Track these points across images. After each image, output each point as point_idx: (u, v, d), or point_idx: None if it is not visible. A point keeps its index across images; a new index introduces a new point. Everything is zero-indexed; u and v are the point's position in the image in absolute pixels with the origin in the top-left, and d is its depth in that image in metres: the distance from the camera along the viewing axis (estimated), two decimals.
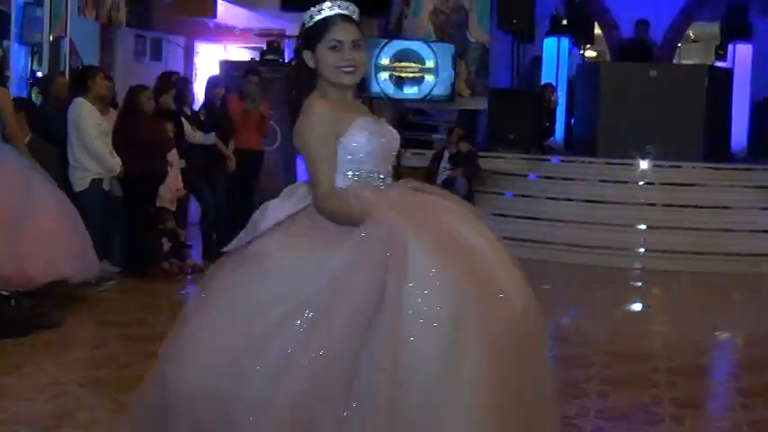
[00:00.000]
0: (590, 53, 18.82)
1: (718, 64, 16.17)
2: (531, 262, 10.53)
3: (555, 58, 15.87)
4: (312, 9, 3.41)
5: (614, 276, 10.21)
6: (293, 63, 3.61)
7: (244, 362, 3.06)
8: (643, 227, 11.20)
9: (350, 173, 3.34)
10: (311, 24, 3.40)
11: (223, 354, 3.11)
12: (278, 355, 3.02)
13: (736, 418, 5.48)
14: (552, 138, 15.11)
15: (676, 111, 12.88)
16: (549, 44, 16.04)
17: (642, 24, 15.32)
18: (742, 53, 15.46)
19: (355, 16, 3.44)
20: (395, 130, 3.56)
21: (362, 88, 3.60)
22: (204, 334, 3.21)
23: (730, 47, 15.97)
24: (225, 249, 3.46)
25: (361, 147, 3.34)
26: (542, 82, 15.63)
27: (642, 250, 10.94)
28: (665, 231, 11.10)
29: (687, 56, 19.84)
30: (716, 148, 13.32)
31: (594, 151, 12.99)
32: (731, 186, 11.84)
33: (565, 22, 16.18)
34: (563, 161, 13.03)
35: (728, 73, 14.52)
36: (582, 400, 5.52)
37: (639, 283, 10.40)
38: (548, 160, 13.12)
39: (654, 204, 11.54)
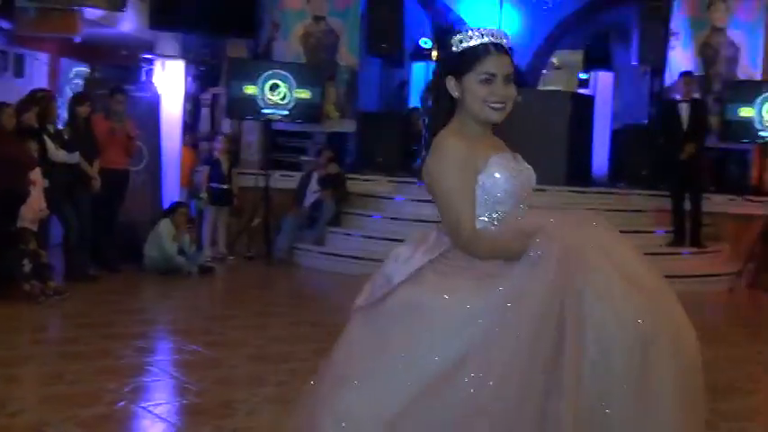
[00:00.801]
0: None
1: (581, 91, 16.62)
2: None
3: (423, 82, 16.09)
4: (461, 33, 3.11)
5: None
6: (429, 88, 3.26)
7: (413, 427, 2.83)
8: None
9: (486, 216, 3.08)
10: (460, 50, 3.09)
11: (392, 420, 2.85)
12: (451, 418, 2.78)
13: None
14: (419, 161, 15.26)
15: (541, 135, 13.14)
16: (418, 69, 16.27)
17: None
18: (603, 81, 15.93)
19: (508, 47, 3.15)
20: (530, 167, 3.31)
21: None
22: (365, 400, 2.91)
23: (592, 74, 16.44)
24: (357, 304, 3.15)
25: (499, 186, 3.08)
26: (410, 106, 15.83)
27: None
28: None
29: (551, 82, 20.31)
30: (578, 172, 13.64)
31: None
32: (592, 210, 12.11)
33: (433, 48, 16.46)
34: None
35: (590, 100, 14.91)
36: None
37: None
38: (415, 183, 13.19)
39: None
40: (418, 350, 2.89)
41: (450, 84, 3.11)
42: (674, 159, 11.84)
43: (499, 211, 3.10)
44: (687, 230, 11.85)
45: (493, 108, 3.13)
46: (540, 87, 18.30)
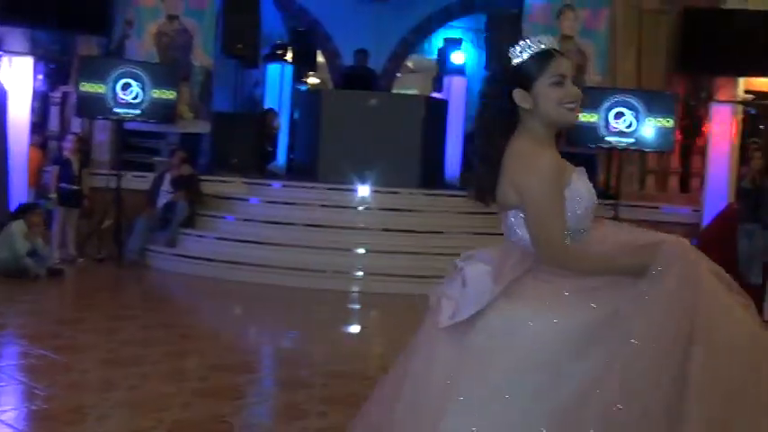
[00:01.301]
0: (313, 80, 19.15)
1: (435, 95, 16.83)
2: (252, 285, 10.63)
3: (278, 83, 16.07)
4: (519, 45, 3.09)
5: (333, 299, 10.38)
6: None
7: None
8: (362, 251, 11.48)
9: (571, 231, 3.04)
10: (526, 59, 3.07)
11: None
12: None
13: None
14: (274, 163, 15.25)
15: (395, 139, 13.29)
16: (273, 70, 16.22)
17: (362, 53, 15.70)
18: (456, 85, 16.17)
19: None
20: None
21: None
22: (485, 421, 2.87)
23: (446, 79, 16.67)
24: (442, 325, 3.06)
25: (583, 201, 3.06)
26: (265, 107, 15.78)
27: (360, 273, 11.18)
28: (383, 255, 11.43)
29: (407, 85, 20.53)
30: (432, 175, 13.82)
31: (315, 177, 13.19)
32: (445, 212, 12.34)
33: (288, 49, 16.44)
34: (284, 186, 13.15)
35: (444, 104, 15.12)
36: (302, 420, 5.58)
37: (358, 306, 10.62)
38: (269, 185, 13.21)
39: (372, 229, 11.87)
40: (534, 369, 2.88)
41: (520, 96, 3.09)
42: None
43: (582, 227, 3.08)
44: None
45: (570, 108, 3.10)
46: (396, 90, 18.53)
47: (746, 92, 13.48)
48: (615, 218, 12.16)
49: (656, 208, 13.36)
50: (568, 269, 2.99)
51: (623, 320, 2.85)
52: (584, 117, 12.64)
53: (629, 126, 12.72)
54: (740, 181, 11.87)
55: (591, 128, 12.78)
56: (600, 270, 2.99)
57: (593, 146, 13.06)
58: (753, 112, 14.56)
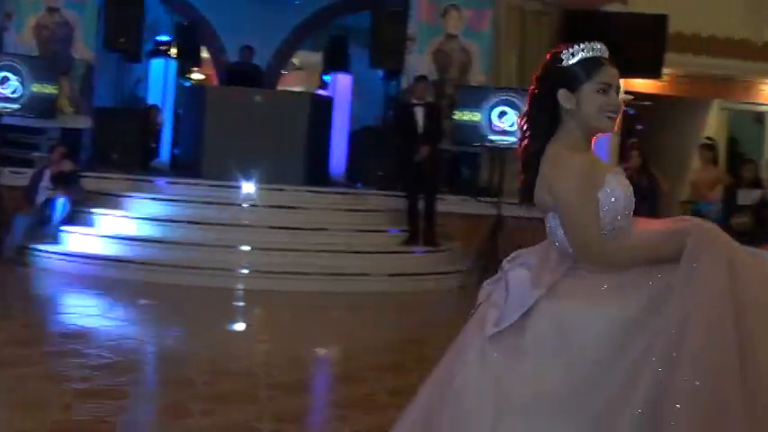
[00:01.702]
0: (197, 76, 18.99)
1: (320, 92, 16.85)
2: (135, 282, 10.49)
3: (162, 79, 15.89)
4: (572, 48, 3.19)
5: (218, 297, 10.30)
6: (531, 103, 3.30)
7: None
8: (247, 248, 11.42)
9: (606, 232, 3.13)
10: (575, 62, 3.18)
11: None
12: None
13: (334, 428, 5.77)
14: (158, 159, 15.08)
15: (280, 136, 13.26)
16: (156, 65, 16.03)
17: (247, 50, 15.61)
18: (342, 83, 16.22)
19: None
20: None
21: None
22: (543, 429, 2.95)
23: (332, 76, 16.71)
24: (489, 334, 3.10)
25: (619, 201, 3.14)
26: (148, 103, 15.59)
27: (246, 271, 11.13)
28: (268, 252, 11.39)
29: (292, 82, 20.50)
30: (317, 172, 13.83)
31: (200, 173, 13.09)
32: (329, 209, 12.37)
33: (172, 44, 16.27)
34: (168, 182, 13.02)
35: (329, 101, 15.14)
36: (187, 419, 5.54)
37: (242, 303, 10.57)
38: (152, 181, 13.06)
39: (257, 226, 11.82)
40: (584, 370, 2.95)
41: (564, 96, 3.19)
42: (409, 161, 12.21)
43: (619, 226, 3.15)
44: (421, 230, 12.24)
45: (610, 116, 3.20)
46: (282, 87, 18.50)
47: (626, 92, 13.81)
48: (499, 216, 12.38)
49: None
50: (608, 266, 3.10)
51: (663, 308, 2.96)
52: (468, 116, 12.83)
53: (513, 125, 12.93)
54: None
55: (474, 126, 12.97)
56: (638, 262, 3.08)
57: (477, 144, 13.24)
58: (631, 112, 14.95)
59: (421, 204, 12.31)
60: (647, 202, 11.18)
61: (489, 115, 12.93)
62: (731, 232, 3.19)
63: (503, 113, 12.93)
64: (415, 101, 12.76)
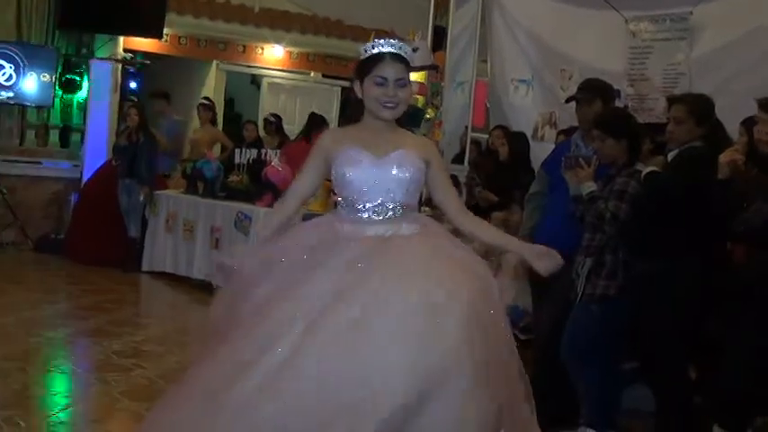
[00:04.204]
0: None
1: None
2: None
3: None
4: (368, 44, 3.66)
5: None
6: (347, 91, 3.86)
7: None
8: None
9: (340, 198, 3.69)
10: (363, 58, 3.64)
11: None
12: None
13: None
14: None
15: None
16: None
17: None
18: None
19: (406, 55, 3.66)
20: (408, 167, 3.65)
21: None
22: None
23: None
24: None
25: (353, 176, 3.62)
26: None
27: None
28: None
29: None
30: None
31: None
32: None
33: None
34: None
35: None
36: None
37: None
38: None
39: None
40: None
41: (356, 87, 3.70)
42: None
43: (349, 198, 3.73)
44: None
45: (386, 107, 3.64)
46: None
47: (125, 50, 13.86)
48: None
49: (38, 163, 13.27)
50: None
51: None
52: None
53: (9, 79, 12.56)
54: (117, 138, 12.18)
55: None
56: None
57: None
58: (132, 70, 15.05)
59: None
60: (146, 157, 11.35)
61: None
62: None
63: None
64: None
